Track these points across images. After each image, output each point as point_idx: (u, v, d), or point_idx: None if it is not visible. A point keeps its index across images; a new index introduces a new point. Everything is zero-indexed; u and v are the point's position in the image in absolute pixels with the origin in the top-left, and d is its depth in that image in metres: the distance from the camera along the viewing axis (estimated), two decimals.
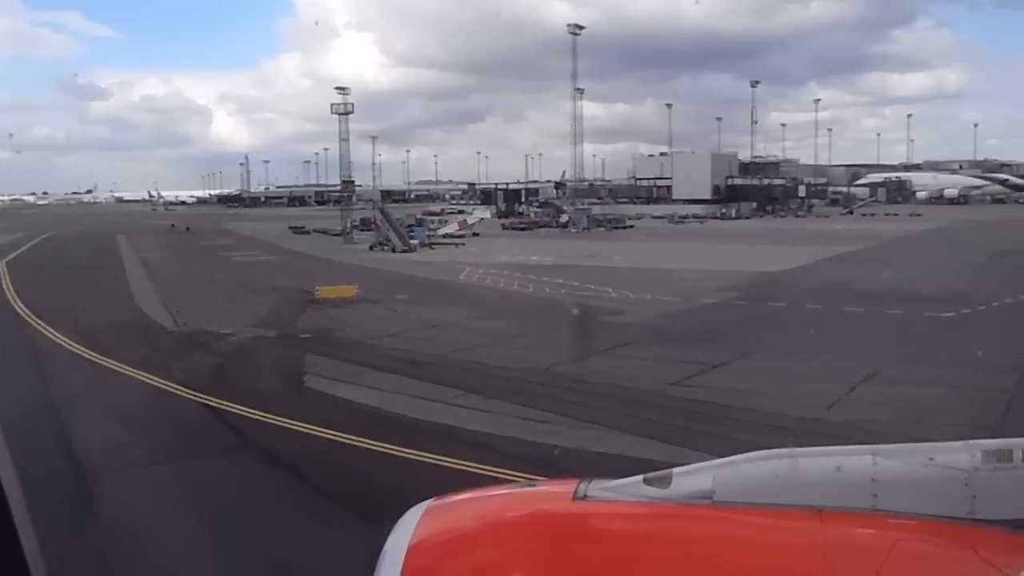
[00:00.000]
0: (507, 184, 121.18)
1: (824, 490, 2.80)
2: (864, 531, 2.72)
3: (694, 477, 2.95)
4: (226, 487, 13.26)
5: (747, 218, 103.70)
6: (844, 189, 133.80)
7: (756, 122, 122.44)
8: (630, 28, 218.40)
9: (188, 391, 19.05)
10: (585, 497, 2.99)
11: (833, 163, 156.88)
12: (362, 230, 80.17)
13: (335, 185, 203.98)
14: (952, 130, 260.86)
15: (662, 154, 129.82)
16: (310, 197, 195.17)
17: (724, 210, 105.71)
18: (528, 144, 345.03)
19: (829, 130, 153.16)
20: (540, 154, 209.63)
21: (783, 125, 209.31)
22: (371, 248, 62.40)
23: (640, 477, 3.01)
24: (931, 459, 2.80)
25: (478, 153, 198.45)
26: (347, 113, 73.36)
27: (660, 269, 44.86)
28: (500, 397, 18.50)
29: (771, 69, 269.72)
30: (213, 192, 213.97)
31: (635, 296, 34.58)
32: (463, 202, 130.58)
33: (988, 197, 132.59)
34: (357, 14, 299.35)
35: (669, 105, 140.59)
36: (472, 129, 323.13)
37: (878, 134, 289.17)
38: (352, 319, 29.96)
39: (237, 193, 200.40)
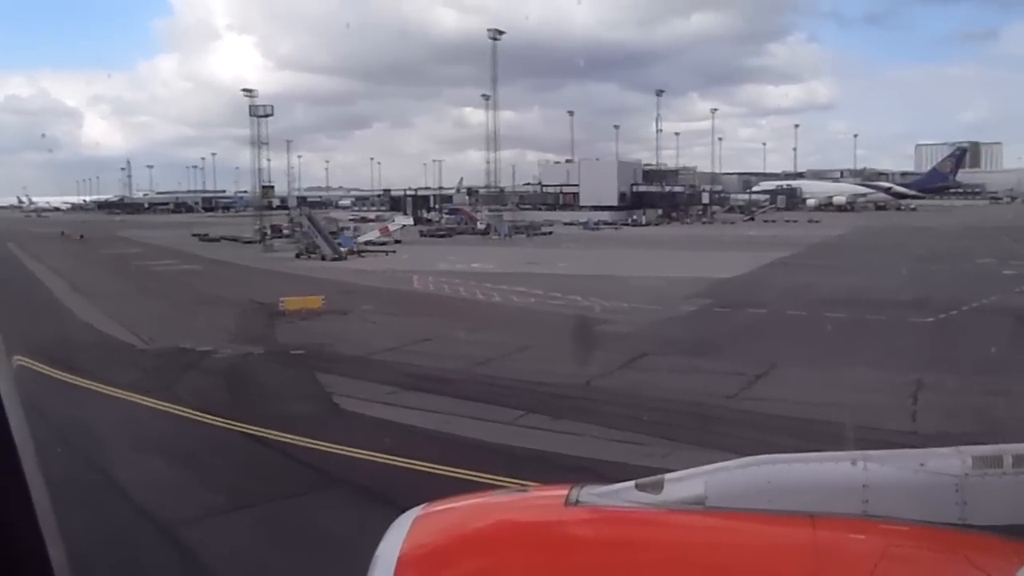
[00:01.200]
0: (415, 190, 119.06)
1: (816, 496, 2.78)
2: (855, 537, 2.70)
3: (686, 483, 2.92)
4: (359, 535, 11.56)
5: (656, 224, 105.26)
6: (744, 196, 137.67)
7: (660, 130, 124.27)
8: (517, 36, 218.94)
9: (215, 418, 17.07)
10: (577, 503, 2.96)
11: (718, 171, 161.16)
12: (274, 237, 77.24)
13: (223, 191, 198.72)
14: (823, 140, 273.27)
15: (567, 161, 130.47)
16: (197, 203, 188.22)
17: (635, 216, 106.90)
18: (415, 150, 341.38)
19: (720, 139, 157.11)
20: (433, 160, 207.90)
21: (677, 134, 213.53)
22: (298, 256, 59.73)
23: (632, 483, 2.98)
24: (922, 465, 2.79)
25: (371, 159, 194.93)
26: (266, 116, 70.30)
27: (614, 276, 44.30)
28: (566, 416, 17.30)
29: (655, 79, 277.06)
30: (89, 198, 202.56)
31: (610, 304, 33.85)
32: (374, 209, 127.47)
33: (872, 204, 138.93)
34: (238, 16, 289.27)
35: (571, 113, 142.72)
36: (359, 135, 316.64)
37: (764, 143, 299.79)
38: (333, 332, 28.15)
39: (118, 199, 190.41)
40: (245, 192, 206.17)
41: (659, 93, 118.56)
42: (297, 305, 32.35)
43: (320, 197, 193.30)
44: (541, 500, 3.23)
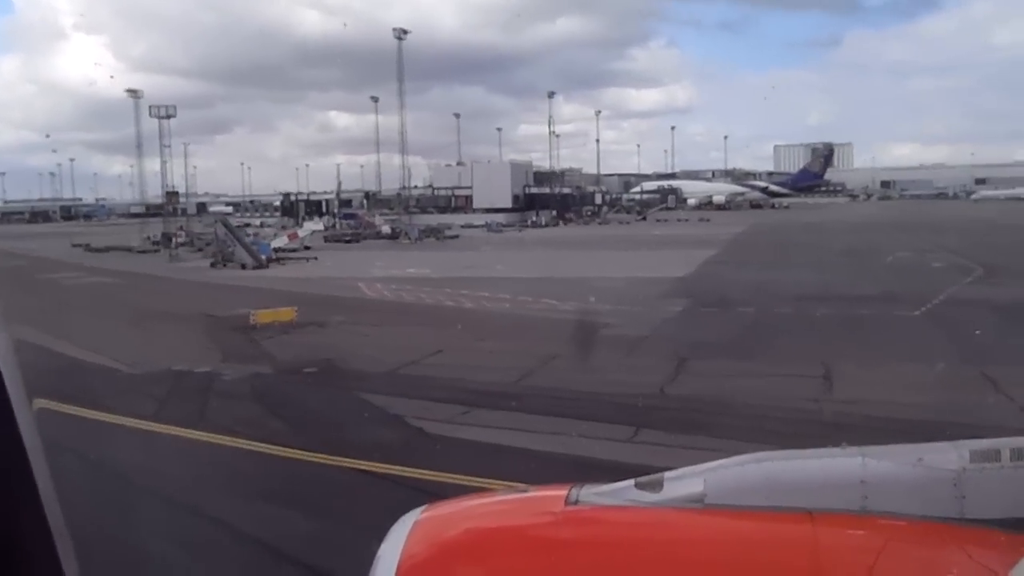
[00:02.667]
0: (307, 195, 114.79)
1: (814, 492, 2.79)
2: (854, 532, 2.71)
3: (685, 481, 2.93)
4: None
5: (554, 226, 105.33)
6: (636, 195, 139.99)
7: (557, 135, 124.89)
8: (382, 39, 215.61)
9: (291, 450, 14.96)
10: (577, 502, 2.97)
11: (600, 173, 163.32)
12: (169, 245, 72.83)
13: (79, 199, 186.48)
14: (681, 142, 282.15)
15: (459, 164, 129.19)
16: (55, 212, 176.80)
17: (534, 218, 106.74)
18: (279, 155, 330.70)
19: (597, 141, 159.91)
20: (306, 165, 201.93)
21: (557, 136, 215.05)
22: (213, 265, 56.01)
23: (631, 481, 2.98)
24: (920, 459, 2.80)
25: (241, 164, 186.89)
26: (168, 117, 65.74)
27: (568, 279, 43.35)
28: (677, 430, 16.11)
29: (520, 82, 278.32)
30: None
31: (591, 307, 32.88)
32: (258, 215, 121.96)
33: (747, 203, 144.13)
34: (86, 15, 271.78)
35: (457, 115, 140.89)
36: (220, 140, 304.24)
37: (638, 145, 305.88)
38: (329, 347, 25.99)
39: None
40: (105, 200, 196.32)
41: (551, 95, 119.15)
42: (269, 318, 29.89)
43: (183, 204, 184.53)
44: (541, 500, 3.17)
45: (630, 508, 2.92)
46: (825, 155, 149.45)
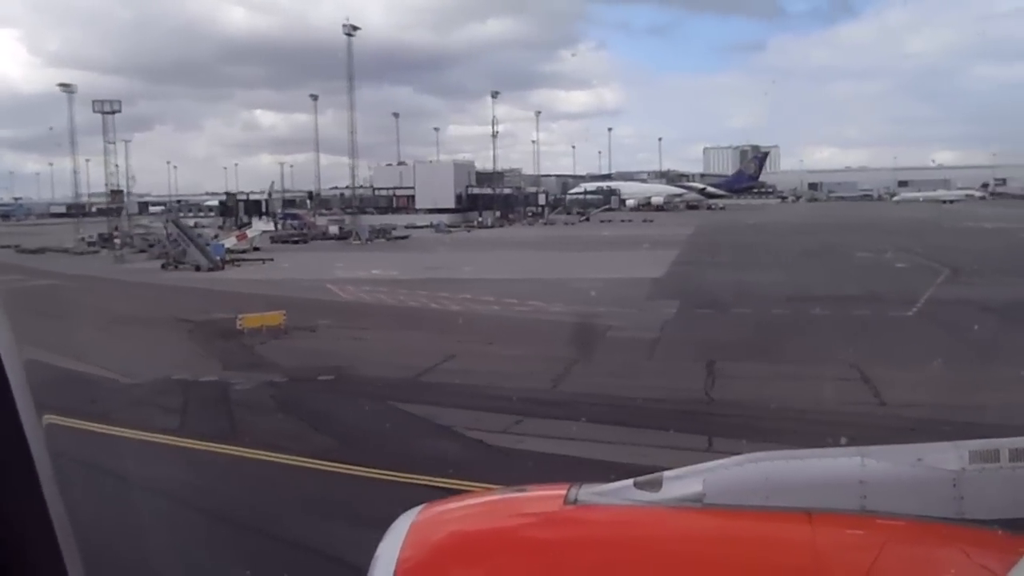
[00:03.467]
0: (247, 195, 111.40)
1: (813, 492, 2.79)
2: (853, 532, 2.71)
3: (684, 481, 2.92)
4: None
5: (500, 226, 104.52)
6: (579, 196, 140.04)
7: (497, 133, 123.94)
8: (309, 37, 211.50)
9: (351, 467, 13.92)
10: (576, 501, 2.95)
11: (538, 174, 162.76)
12: (102, 247, 69.94)
13: None
14: (610, 144, 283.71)
15: (400, 163, 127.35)
16: None
17: (480, 219, 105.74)
18: (203, 154, 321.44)
19: (534, 142, 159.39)
20: (235, 164, 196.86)
21: (494, 135, 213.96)
22: (164, 267, 53.63)
23: (630, 481, 2.97)
24: (919, 460, 2.80)
25: (168, 162, 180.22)
26: (113, 112, 62.69)
27: (544, 279, 42.59)
28: (747, 437, 15.41)
29: (450, 83, 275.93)
30: None
31: (583, 309, 32.13)
32: (191, 215, 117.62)
33: (684, 204, 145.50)
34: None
35: (396, 115, 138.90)
36: (140, 138, 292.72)
37: (573, 146, 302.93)
38: (331, 353, 24.86)
39: None
40: (22, 199, 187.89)
41: (494, 95, 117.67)
42: (256, 322, 28.42)
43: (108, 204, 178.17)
44: (540, 499, 3.15)
45: (629, 507, 2.90)
46: (760, 158, 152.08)
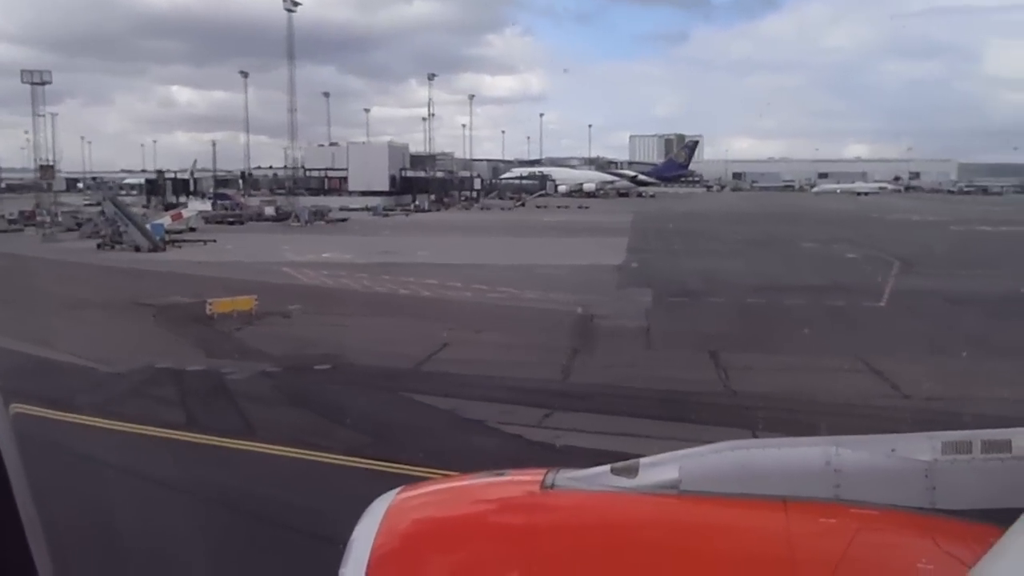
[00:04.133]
0: (175, 173, 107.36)
1: (788, 480, 2.81)
2: (827, 520, 2.74)
3: (661, 467, 2.93)
4: None
5: (437, 210, 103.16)
6: (514, 180, 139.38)
7: (433, 115, 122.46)
8: (229, 12, 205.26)
9: (413, 468, 12.96)
10: (553, 487, 2.96)
11: (469, 157, 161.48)
12: (25, 225, 66.52)
13: None
14: (533, 129, 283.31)
15: (332, 144, 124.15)
16: None
17: (417, 203, 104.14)
18: (115, 130, 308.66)
19: (463, 126, 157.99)
20: (153, 141, 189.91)
21: (430, 117, 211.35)
22: (100, 247, 51.00)
23: (607, 467, 2.98)
24: (892, 450, 2.83)
25: (82, 138, 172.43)
26: (43, 83, 59.16)
27: (506, 266, 41.71)
28: (801, 434, 15.11)
29: (375, 64, 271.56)
30: None
31: (557, 296, 31.78)
32: (120, 193, 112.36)
33: (615, 191, 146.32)
34: None
35: (326, 94, 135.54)
36: (50, 112, 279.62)
37: (503, 131, 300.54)
38: (316, 340, 23.82)
39: None
40: None
41: (431, 77, 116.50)
42: (227, 307, 27.06)
43: (21, 180, 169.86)
44: (517, 484, 3.13)
45: (605, 493, 2.90)
46: (690, 147, 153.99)
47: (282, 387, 18.57)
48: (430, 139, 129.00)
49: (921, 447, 2.80)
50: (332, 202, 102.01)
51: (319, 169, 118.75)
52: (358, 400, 17.61)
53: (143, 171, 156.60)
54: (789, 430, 15.18)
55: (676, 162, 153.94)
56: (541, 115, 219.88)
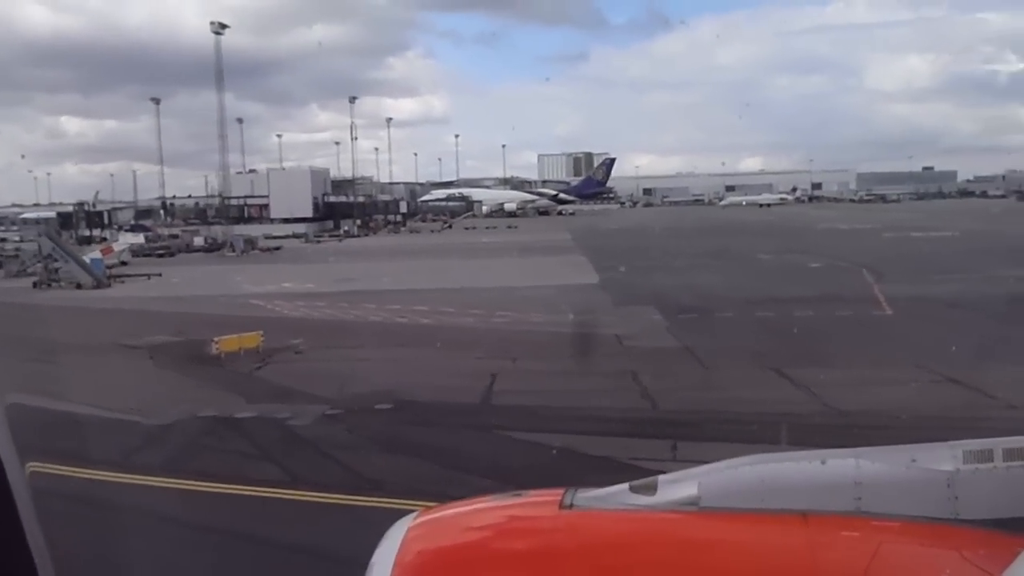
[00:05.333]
0: (93, 204, 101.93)
1: (809, 494, 2.80)
2: (849, 534, 2.73)
3: (680, 484, 2.92)
4: None
5: (365, 235, 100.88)
6: (441, 203, 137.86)
7: (356, 139, 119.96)
8: (120, 39, 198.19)
9: None
10: (571, 506, 2.94)
11: (387, 181, 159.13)
12: None
13: None
14: (440, 151, 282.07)
15: (251, 171, 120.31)
16: None
17: (346, 228, 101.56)
18: (1, 162, 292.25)
19: (376, 149, 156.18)
20: (47, 173, 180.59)
21: (337, 143, 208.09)
22: (36, 285, 47.39)
23: (626, 485, 2.96)
24: (913, 460, 2.81)
25: None
26: None
27: (488, 288, 40.13)
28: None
29: (275, 89, 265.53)
30: None
31: (560, 319, 30.77)
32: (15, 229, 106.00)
33: (535, 210, 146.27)
34: None
35: (240, 120, 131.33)
36: None
37: (415, 153, 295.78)
38: (351, 377, 22.26)
39: None
40: None
41: (351, 100, 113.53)
42: (234, 345, 25.02)
43: None
44: (535, 504, 3.12)
45: (625, 512, 2.87)
46: (608, 164, 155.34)
47: (357, 431, 16.93)
48: (354, 162, 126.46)
49: (942, 457, 2.77)
50: (253, 230, 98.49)
51: (238, 197, 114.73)
52: (456, 442, 16.10)
53: (36, 204, 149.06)
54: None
55: (595, 179, 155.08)
56: (456, 136, 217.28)
